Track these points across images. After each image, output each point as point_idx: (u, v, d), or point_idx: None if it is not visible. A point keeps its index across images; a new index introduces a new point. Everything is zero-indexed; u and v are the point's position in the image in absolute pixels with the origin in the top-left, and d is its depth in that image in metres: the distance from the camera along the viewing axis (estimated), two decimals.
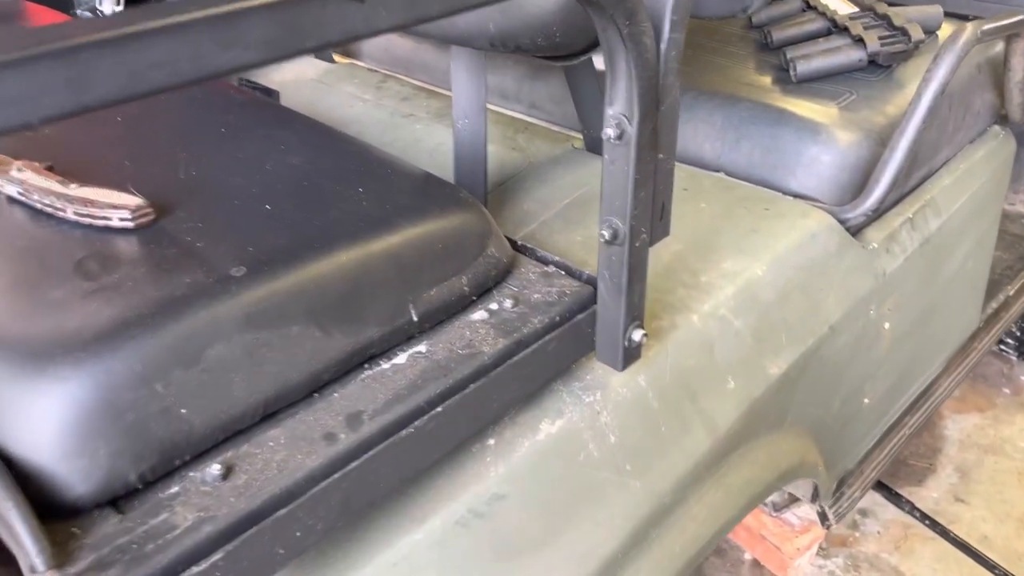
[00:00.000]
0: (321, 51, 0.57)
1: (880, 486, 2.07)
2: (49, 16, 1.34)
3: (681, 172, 1.33)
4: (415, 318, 0.83)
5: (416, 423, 0.76)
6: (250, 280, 0.74)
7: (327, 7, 0.50)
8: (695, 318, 1.04)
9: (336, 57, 1.87)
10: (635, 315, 0.89)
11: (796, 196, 1.28)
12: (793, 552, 1.60)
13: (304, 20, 0.50)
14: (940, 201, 1.43)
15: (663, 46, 0.77)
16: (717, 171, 1.36)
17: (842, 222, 1.24)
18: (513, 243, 1.01)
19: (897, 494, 2.05)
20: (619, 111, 0.78)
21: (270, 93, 1.50)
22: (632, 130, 0.78)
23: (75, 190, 0.80)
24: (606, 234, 0.83)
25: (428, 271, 0.84)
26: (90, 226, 0.79)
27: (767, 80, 1.46)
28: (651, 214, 0.85)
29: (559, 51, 1.01)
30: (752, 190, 1.29)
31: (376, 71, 1.77)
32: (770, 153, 1.32)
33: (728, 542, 1.89)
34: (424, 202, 0.89)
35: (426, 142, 1.45)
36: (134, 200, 0.79)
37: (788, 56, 1.47)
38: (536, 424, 0.90)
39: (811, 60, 1.44)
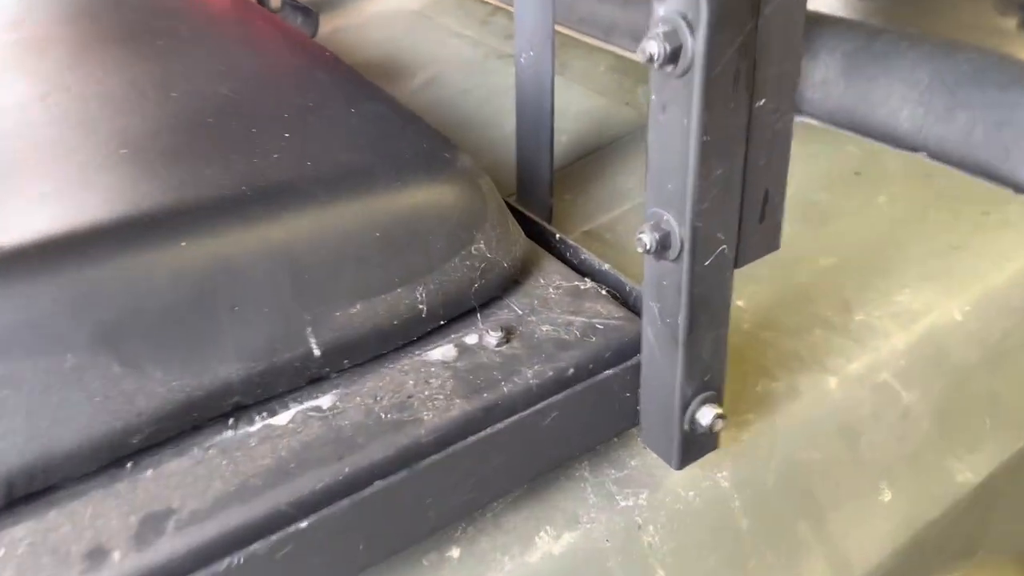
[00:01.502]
0: None
1: None
2: None
3: (852, 148, 0.92)
4: (317, 352, 0.50)
5: (256, 546, 0.43)
6: None
7: None
8: (833, 383, 0.64)
9: None
10: (704, 381, 0.51)
11: None
12: None
13: None
14: None
15: None
16: (915, 151, 0.93)
17: None
18: (545, 237, 0.65)
19: None
20: (673, 8, 0.40)
21: (308, 13, 1.20)
22: (697, 45, 0.40)
23: None
24: (646, 239, 0.46)
25: (350, 275, 0.51)
26: None
27: (1011, 22, 0.99)
28: (740, 210, 0.47)
29: None
30: (966, 182, 0.85)
31: (488, 3, 1.44)
32: (1003, 129, 0.87)
33: None
34: (373, 163, 0.55)
35: None
36: None
37: None
38: (531, 534, 0.55)
39: None
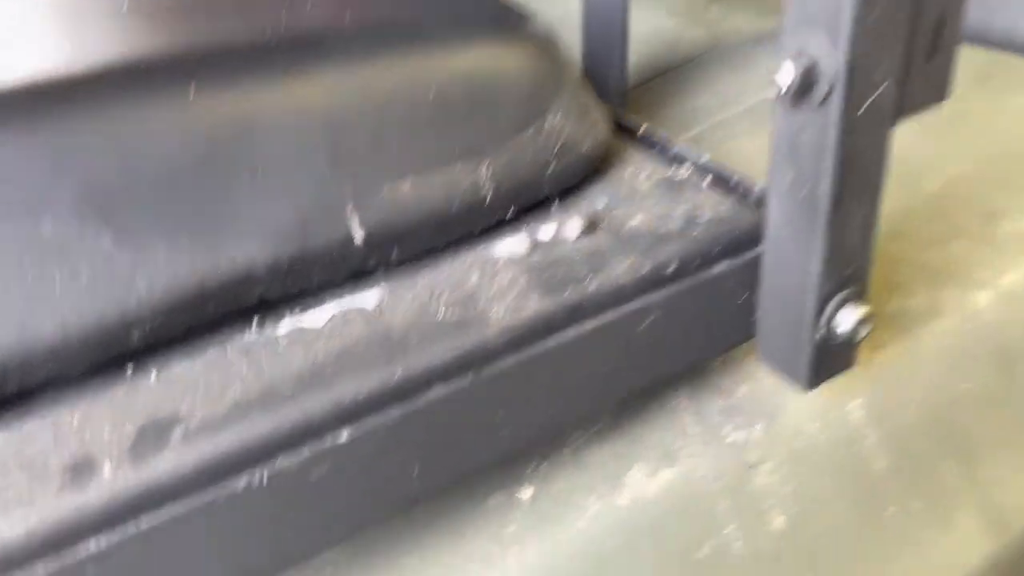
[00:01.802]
0: None
1: None
2: None
3: (980, 57, 0.79)
4: (359, 235, 0.40)
5: (283, 460, 0.34)
6: None
7: None
8: (983, 300, 0.52)
9: None
10: (847, 275, 0.40)
11: None
12: None
13: None
14: None
15: None
16: None
17: None
18: (629, 130, 0.55)
19: None
20: None
21: None
22: None
23: None
24: (784, 76, 0.35)
25: (398, 142, 0.41)
26: None
27: None
28: (906, 41, 0.36)
29: None
30: None
31: None
32: None
33: None
34: (428, 15, 0.45)
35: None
36: None
37: None
38: (619, 472, 0.45)
39: None
